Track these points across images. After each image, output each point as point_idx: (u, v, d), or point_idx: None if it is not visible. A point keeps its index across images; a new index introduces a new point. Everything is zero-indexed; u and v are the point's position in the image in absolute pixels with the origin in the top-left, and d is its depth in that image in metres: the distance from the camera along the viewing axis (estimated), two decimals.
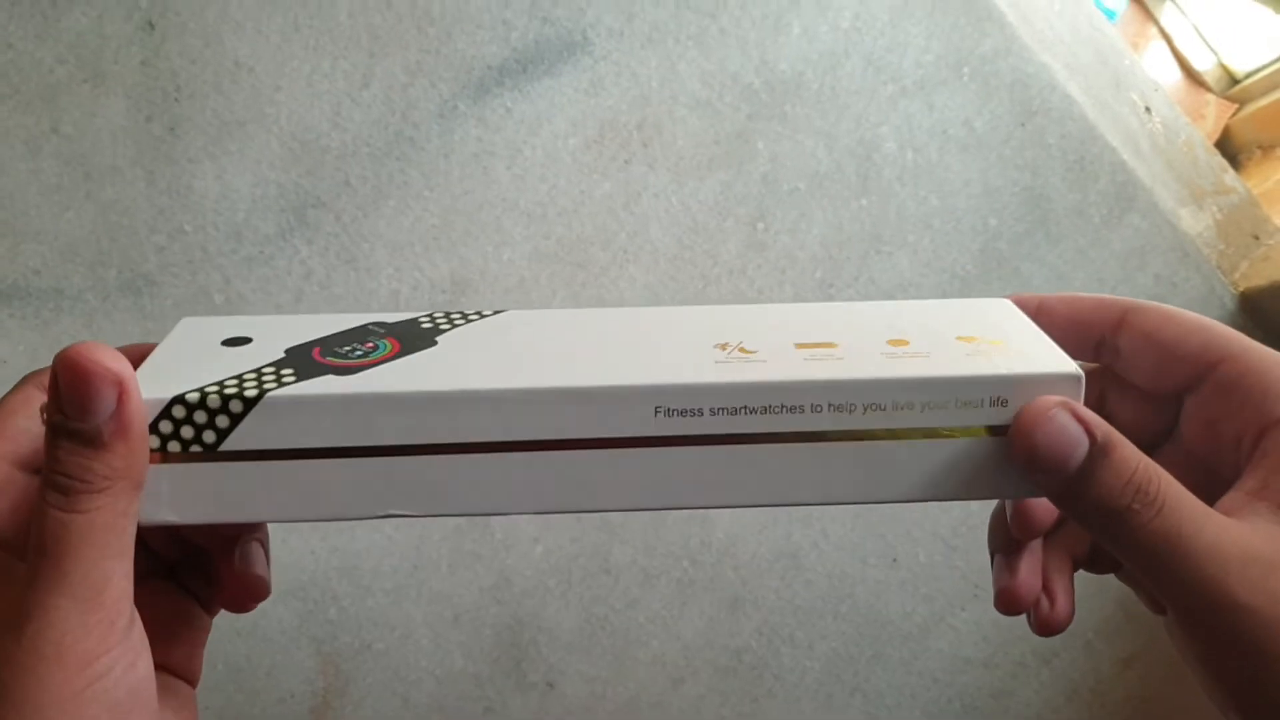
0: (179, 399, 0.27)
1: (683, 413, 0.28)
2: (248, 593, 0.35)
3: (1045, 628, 0.34)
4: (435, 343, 0.30)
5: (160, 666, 0.30)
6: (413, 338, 0.30)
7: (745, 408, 0.28)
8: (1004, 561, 0.34)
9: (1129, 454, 0.27)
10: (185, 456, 0.28)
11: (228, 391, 0.28)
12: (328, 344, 0.30)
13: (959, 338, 0.30)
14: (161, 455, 0.28)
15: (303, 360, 0.29)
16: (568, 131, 0.66)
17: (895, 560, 0.73)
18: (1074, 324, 0.33)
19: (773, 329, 0.31)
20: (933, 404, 0.29)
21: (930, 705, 0.73)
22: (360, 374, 0.28)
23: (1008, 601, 0.34)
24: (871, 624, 0.73)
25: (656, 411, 0.28)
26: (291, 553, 0.68)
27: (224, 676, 0.68)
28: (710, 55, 0.67)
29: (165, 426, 0.27)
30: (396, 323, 0.32)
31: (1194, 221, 0.75)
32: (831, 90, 0.68)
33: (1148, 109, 0.81)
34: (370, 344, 0.30)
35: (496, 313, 0.32)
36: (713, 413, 0.28)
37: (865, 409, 0.28)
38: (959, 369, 0.29)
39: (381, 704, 0.69)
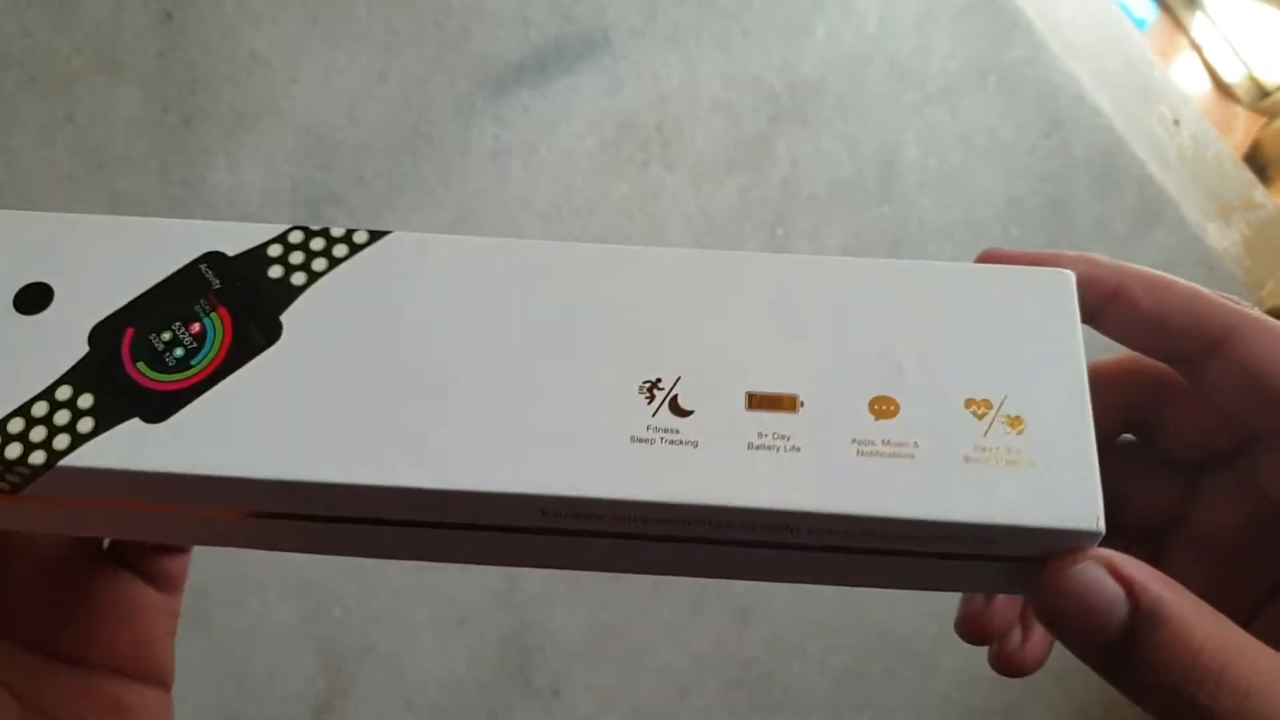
0: None
1: (578, 517, 0.22)
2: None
3: (1008, 666, 0.28)
4: (279, 330, 0.22)
5: (112, 669, 0.26)
6: (250, 316, 0.23)
7: (660, 522, 0.22)
8: None
9: (1190, 624, 0.21)
10: None
11: (9, 456, 0.21)
12: (143, 328, 0.23)
13: (969, 403, 0.22)
14: None
15: (108, 371, 0.22)
16: (586, 131, 0.66)
17: None
18: (1156, 328, 0.25)
19: (722, 358, 0.23)
20: (917, 540, 0.22)
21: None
22: (174, 419, 0.22)
23: (971, 628, 0.28)
24: (882, 640, 0.72)
25: (544, 514, 0.22)
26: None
27: (225, 675, 0.67)
28: (732, 57, 0.66)
29: None
30: (236, 263, 0.23)
31: (1221, 237, 0.73)
32: (854, 95, 0.67)
33: (1176, 121, 0.80)
34: (196, 325, 0.22)
35: (374, 238, 0.23)
36: (619, 520, 0.22)
37: (829, 534, 0.22)
38: (946, 507, 0.21)
39: (384, 707, 0.68)
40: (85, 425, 0.22)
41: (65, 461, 0.21)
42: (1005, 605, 0.28)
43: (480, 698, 0.68)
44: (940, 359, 0.22)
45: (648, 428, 0.22)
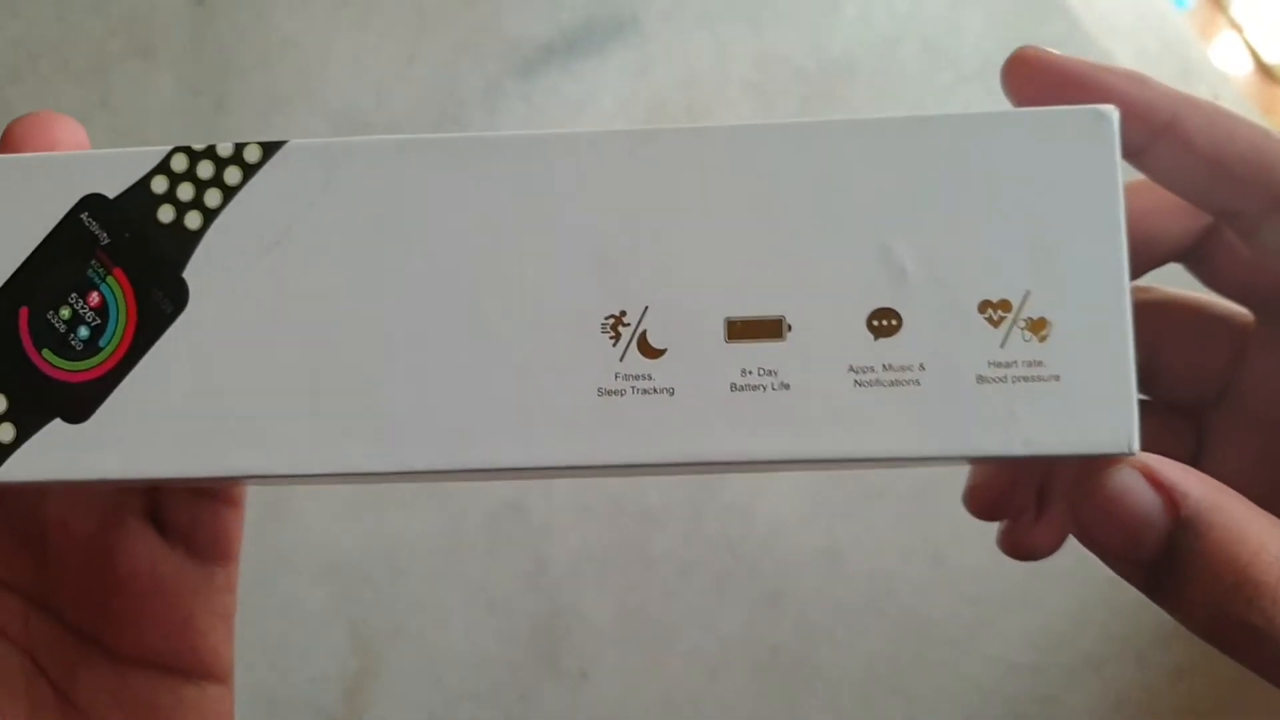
0: None
1: (553, 471, 0.20)
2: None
3: (1018, 548, 0.25)
4: (185, 292, 0.19)
5: (148, 663, 0.23)
6: (150, 277, 0.19)
7: (642, 467, 0.20)
8: None
9: (1240, 533, 0.18)
10: None
11: None
12: (38, 305, 0.19)
13: (983, 305, 0.19)
14: None
15: (14, 364, 0.19)
16: (615, 112, 0.65)
17: (940, 560, 0.71)
18: (1212, 174, 0.20)
19: (692, 274, 0.19)
20: (924, 463, 0.20)
21: (973, 710, 0.72)
22: (97, 416, 0.19)
23: (979, 502, 0.25)
24: (914, 625, 0.71)
25: (516, 473, 0.20)
26: (327, 532, 0.68)
27: (256, 655, 0.67)
28: (762, 37, 0.66)
29: None
30: (120, 206, 0.20)
31: None
32: (886, 75, 0.67)
33: (1216, 100, 0.78)
34: (94, 295, 0.19)
35: (269, 153, 0.20)
36: (599, 469, 0.20)
37: (828, 463, 0.20)
38: (955, 443, 0.19)
39: (414, 687, 0.69)
40: (6, 434, 0.19)
41: None
42: (1019, 479, 0.25)
43: (509, 679, 0.68)
44: (948, 249, 0.19)
45: (616, 375, 0.19)
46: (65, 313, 0.19)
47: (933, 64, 0.66)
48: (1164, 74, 0.72)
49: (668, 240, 0.19)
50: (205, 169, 0.20)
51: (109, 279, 0.19)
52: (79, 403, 0.19)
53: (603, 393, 0.19)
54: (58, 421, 0.19)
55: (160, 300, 0.19)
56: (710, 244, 0.19)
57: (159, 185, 0.20)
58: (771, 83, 0.66)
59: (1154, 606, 0.24)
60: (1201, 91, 0.76)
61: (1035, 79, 0.20)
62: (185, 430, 0.19)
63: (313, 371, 0.19)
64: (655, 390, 0.19)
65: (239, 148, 0.20)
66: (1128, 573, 0.19)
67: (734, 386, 0.19)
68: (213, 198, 0.20)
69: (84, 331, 0.19)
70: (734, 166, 0.19)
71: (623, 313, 0.19)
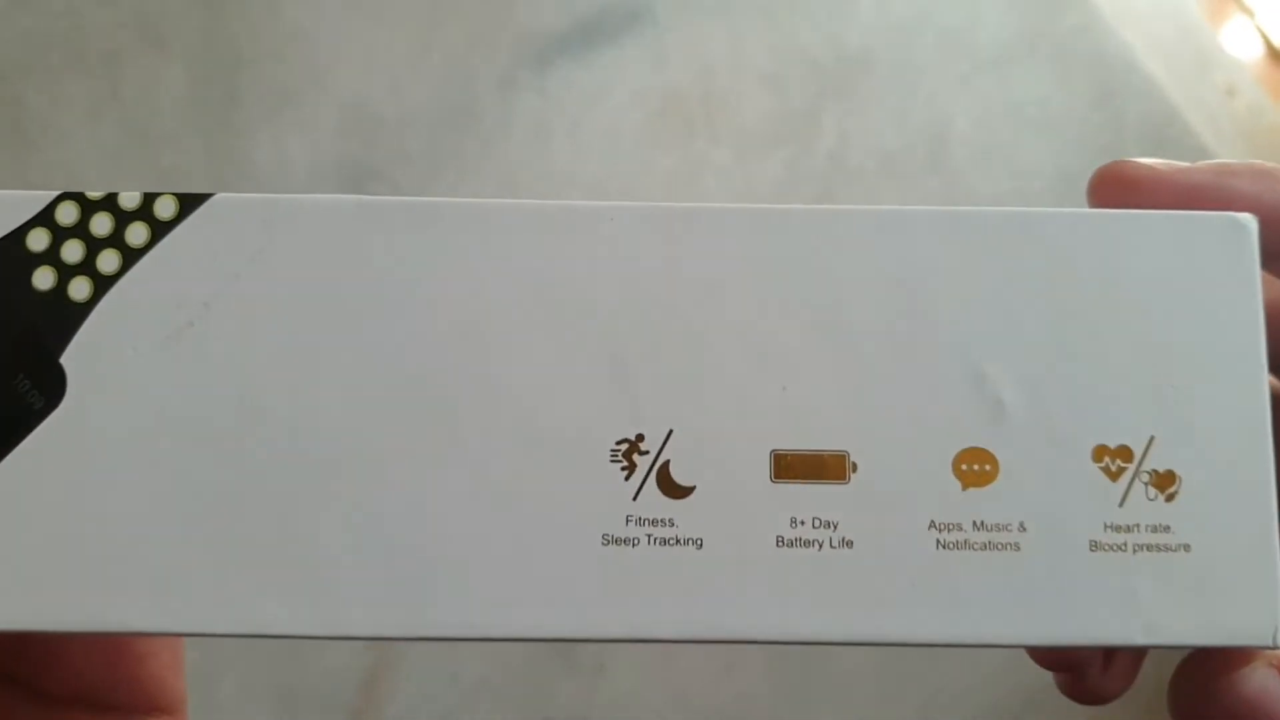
0: None
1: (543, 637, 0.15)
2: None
3: (1087, 696, 0.22)
4: (62, 381, 0.15)
5: (88, 702, 0.20)
6: (16, 360, 0.15)
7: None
8: None
9: None
10: None
11: None
12: None
13: (1099, 452, 0.15)
14: None
15: None
16: (630, 104, 0.65)
17: None
18: None
19: (730, 394, 0.15)
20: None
21: (989, 700, 0.72)
22: None
23: (1047, 657, 0.22)
24: None
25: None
26: None
27: (273, 648, 0.68)
28: (778, 28, 0.65)
29: None
30: None
31: None
32: (902, 66, 0.66)
33: (1231, 90, 0.78)
34: None
35: (186, 210, 0.15)
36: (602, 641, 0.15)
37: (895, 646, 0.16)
38: (1062, 628, 0.15)
39: (430, 681, 0.69)
40: None
41: None
42: None
43: (526, 673, 0.69)
44: (1057, 380, 0.15)
45: (628, 519, 0.15)
46: None
47: (949, 55, 0.66)
48: (1179, 62, 0.72)
49: (703, 346, 0.15)
50: (102, 224, 0.15)
51: None
52: None
53: (609, 541, 0.15)
54: None
55: (27, 391, 0.15)
56: (757, 354, 0.15)
57: (37, 241, 0.15)
58: (788, 74, 0.66)
59: None
60: (1216, 79, 0.76)
61: (1132, 202, 0.16)
62: (49, 569, 0.15)
63: (225, 499, 0.15)
64: (678, 541, 0.15)
65: (149, 199, 0.15)
66: None
67: (781, 541, 0.15)
68: (109, 262, 0.15)
69: None
70: (793, 258, 0.15)
71: (640, 437, 0.15)
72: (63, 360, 0.15)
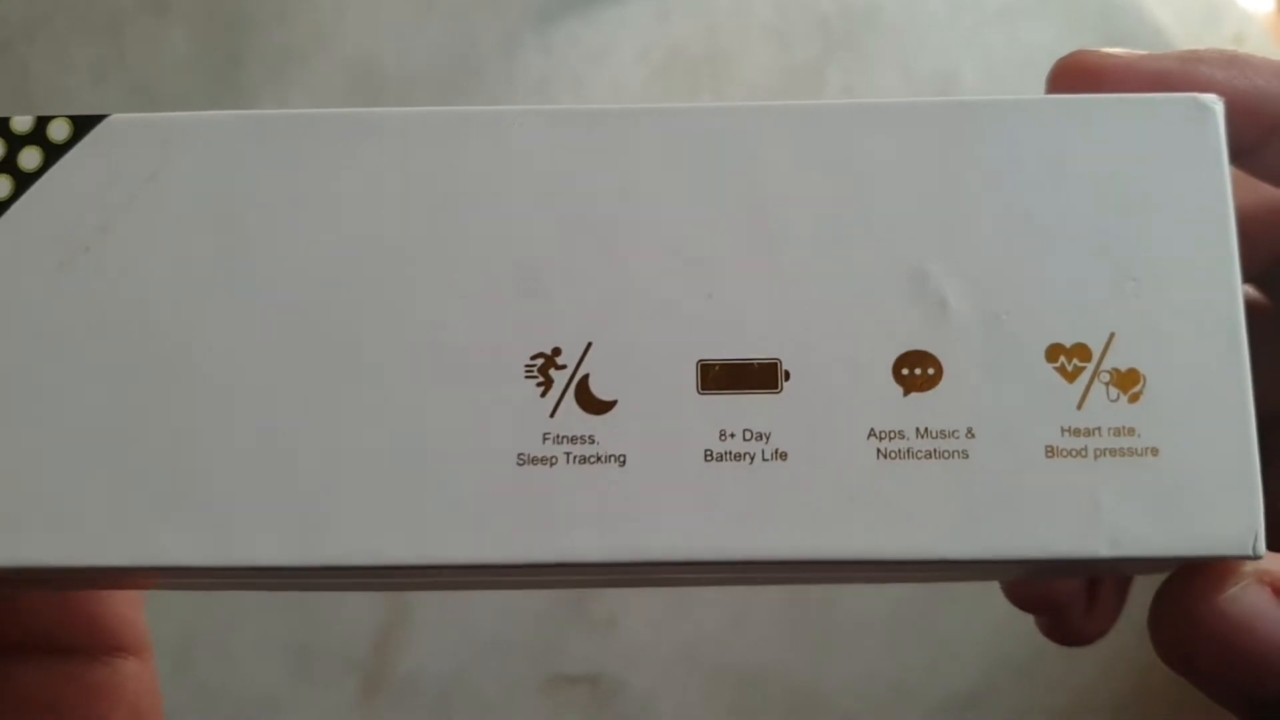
0: None
1: (459, 570, 0.15)
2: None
3: (1065, 637, 0.22)
4: None
5: (43, 648, 0.18)
6: None
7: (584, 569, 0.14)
8: None
9: None
10: None
11: None
12: None
13: (1053, 351, 0.14)
14: None
15: None
16: (634, 61, 0.65)
17: None
18: None
19: (654, 299, 0.14)
20: (971, 571, 0.16)
21: (998, 652, 0.72)
22: None
23: (1020, 595, 0.22)
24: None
25: (395, 574, 0.14)
26: None
27: (287, 606, 0.68)
28: None
29: None
30: None
31: None
32: (908, 19, 0.66)
33: (1238, 41, 0.77)
34: None
35: (80, 131, 0.15)
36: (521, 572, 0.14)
37: (839, 571, 0.15)
38: (1016, 540, 0.14)
39: (443, 637, 0.69)
40: None
41: None
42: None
43: (537, 628, 0.69)
44: (1004, 275, 0.14)
45: (544, 437, 0.14)
46: None
47: (956, 7, 0.66)
48: (1188, 13, 0.71)
49: (621, 250, 0.14)
50: None
51: None
52: None
53: (525, 460, 0.14)
54: None
55: None
56: (680, 258, 0.14)
57: None
58: (793, 29, 0.65)
59: None
60: (1225, 31, 0.75)
61: (1095, 92, 0.15)
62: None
63: (119, 428, 0.14)
64: (599, 459, 0.14)
65: (41, 122, 0.15)
66: (1232, 704, 0.15)
67: (709, 455, 0.14)
68: (0, 187, 0.15)
69: None
70: (718, 159, 0.14)
71: (556, 350, 0.14)
72: None
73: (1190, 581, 0.14)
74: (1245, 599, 0.14)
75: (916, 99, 0.15)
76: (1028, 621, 0.74)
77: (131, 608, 0.19)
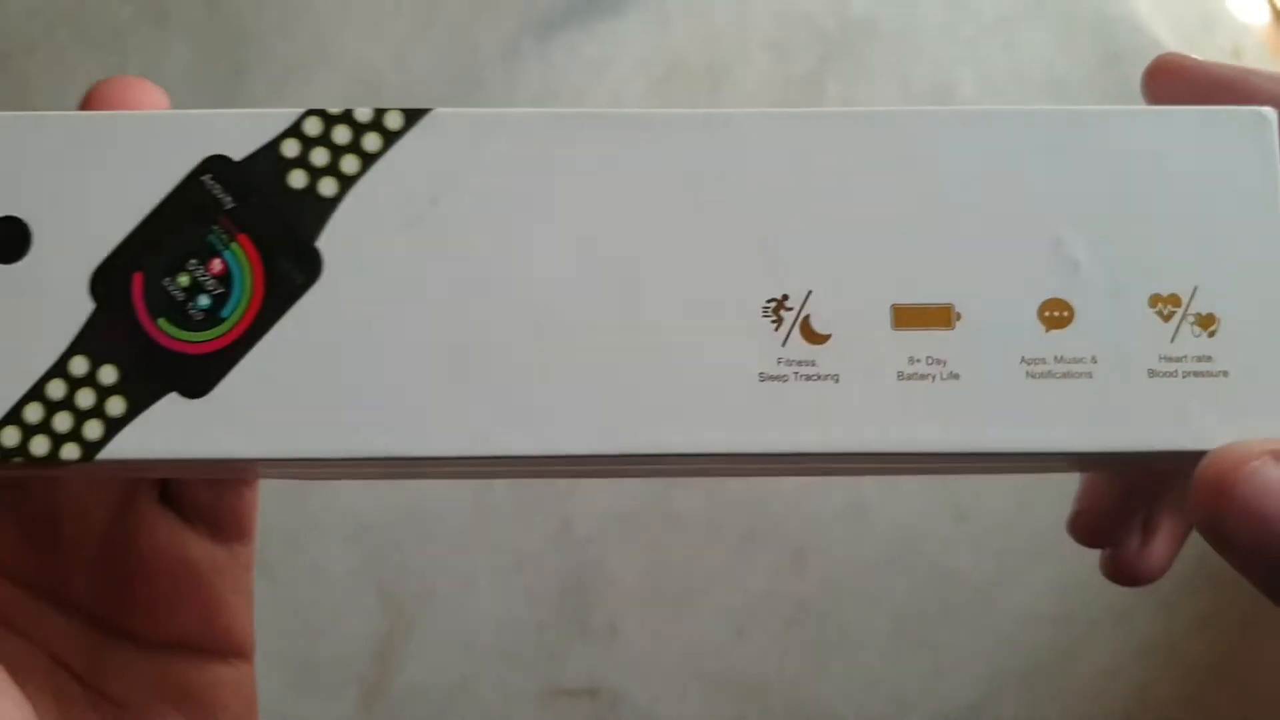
0: None
1: (699, 459, 0.19)
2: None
3: (1123, 573, 0.25)
4: (318, 261, 0.18)
5: (178, 645, 0.23)
6: (279, 245, 0.18)
7: (792, 460, 0.19)
8: (1095, 476, 0.25)
9: None
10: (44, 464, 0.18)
11: (35, 452, 0.18)
12: (153, 270, 0.18)
13: (1154, 299, 0.18)
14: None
15: (126, 333, 0.18)
16: (634, 72, 0.65)
17: (964, 514, 0.71)
18: None
19: (856, 260, 0.19)
20: (1084, 462, 0.21)
21: (999, 662, 0.72)
22: (218, 390, 0.18)
23: (1085, 528, 0.25)
24: (939, 578, 0.72)
25: (659, 461, 0.19)
26: (356, 498, 0.68)
27: (289, 617, 0.68)
28: None
29: None
30: (246, 170, 0.18)
31: None
32: (906, 30, 0.66)
33: (1236, 52, 0.78)
34: (216, 262, 0.18)
35: (411, 121, 0.18)
36: (747, 461, 0.19)
37: (985, 461, 0.20)
38: (1129, 436, 0.18)
39: (444, 648, 0.69)
40: (116, 407, 0.18)
41: (104, 455, 0.18)
42: (1126, 503, 0.24)
43: (539, 638, 0.69)
44: (1118, 243, 0.19)
45: (779, 360, 0.18)
46: (183, 280, 0.18)
47: (953, 18, 0.66)
48: (1185, 23, 0.71)
49: (832, 224, 0.19)
50: (341, 134, 0.18)
51: (233, 246, 0.18)
52: (198, 376, 0.18)
53: (765, 378, 0.18)
54: (174, 395, 0.18)
55: (290, 270, 0.18)
56: (876, 229, 0.19)
57: (290, 149, 0.18)
58: (791, 41, 0.66)
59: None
60: (1221, 43, 0.76)
61: (1179, 86, 0.20)
62: (317, 408, 0.18)
63: (455, 350, 0.18)
64: (819, 377, 0.18)
65: (379, 113, 0.19)
66: (1260, 576, 0.18)
67: (901, 375, 0.18)
68: (349, 164, 0.18)
69: (204, 300, 0.18)
70: (902, 152, 0.19)
71: (785, 296, 0.18)
72: (318, 244, 0.18)
73: (1222, 461, 0.17)
74: (1263, 471, 0.17)
75: (1046, 108, 0.19)
76: (1028, 633, 0.74)
77: (250, 620, 0.24)
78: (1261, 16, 0.93)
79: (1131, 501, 0.25)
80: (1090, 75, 0.68)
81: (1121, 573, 0.25)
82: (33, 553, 0.22)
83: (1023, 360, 0.18)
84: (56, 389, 0.18)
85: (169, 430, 0.18)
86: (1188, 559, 0.25)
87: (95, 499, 0.22)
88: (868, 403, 0.18)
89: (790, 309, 0.18)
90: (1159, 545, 0.25)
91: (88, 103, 0.19)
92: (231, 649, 0.23)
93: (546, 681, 0.70)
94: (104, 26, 0.64)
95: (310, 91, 0.64)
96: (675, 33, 0.65)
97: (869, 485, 0.71)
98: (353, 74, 0.64)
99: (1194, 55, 0.20)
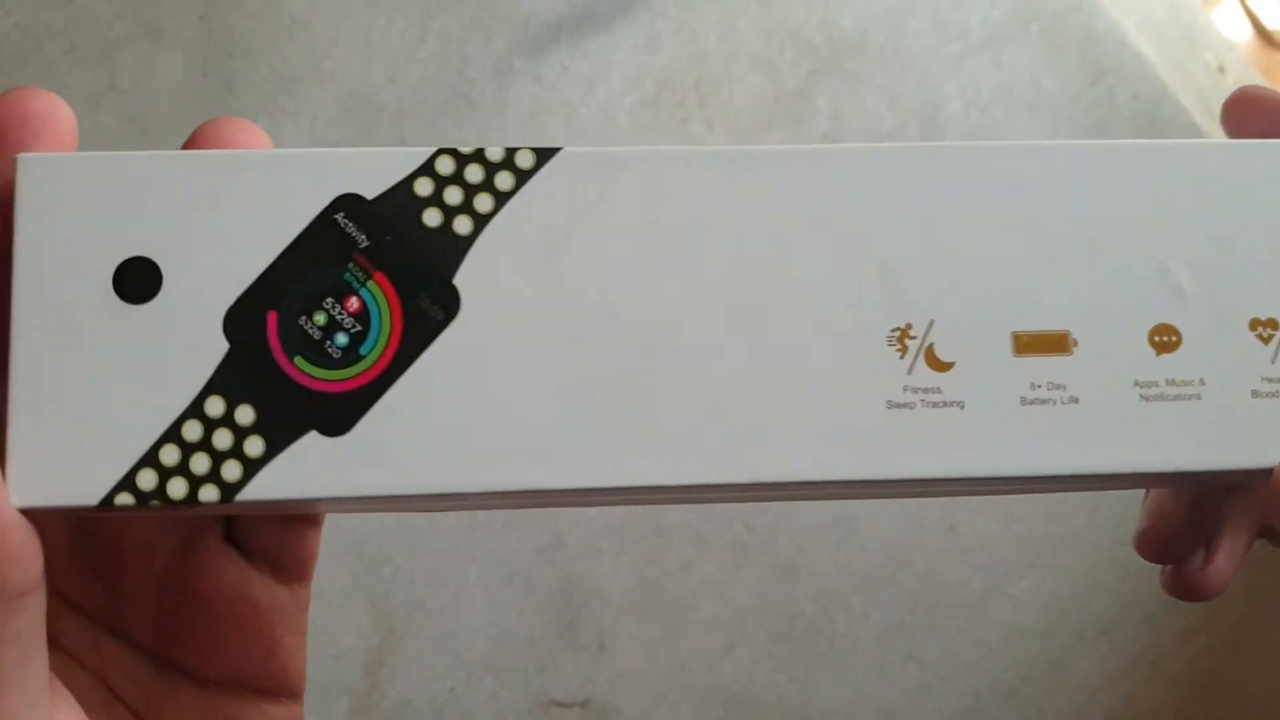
0: (106, 499, 0.17)
1: (819, 486, 0.19)
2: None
3: (1188, 589, 0.25)
4: (456, 299, 0.18)
5: (234, 684, 0.23)
6: (417, 282, 0.18)
7: (912, 486, 0.19)
8: (1161, 494, 0.26)
9: None
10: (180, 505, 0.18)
11: (174, 495, 0.17)
12: (288, 309, 0.18)
13: (1253, 324, 0.19)
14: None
15: (262, 372, 0.18)
16: (624, 89, 0.65)
17: (952, 528, 0.72)
18: None
19: (974, 288, 0.19)
20: (1188, 481, 0.22)
21: (986, 675, 0.73)
22: (359, 428, 0.18)
23: (1151, 546, 0.26)
24: (927, 592, 0.72)
25: (783, 489, 0.19)
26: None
27: None
28: (771, 11, 0.66)
29: (123, 499, 0.18)
30: (379, 209, 0.18)
31: None
32: (895, 47, 0.67)
33: (1221, 68, 0.79)
34: (353, 300, 0.18)
35: (542, 159, 0.19)
36: (867, 487, 0.19)
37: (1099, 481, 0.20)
38: (1235, 454, 0.19)
39: (434, 662, 0.69)
40: (255, 447, 0.18)
41: (243, 496, 0.18)
42: (1191, 521, 0.25)
43: (528, 652, 0.69)
44: (1219, 269, 0.19)
45: (905, 388, 0.19)
46: (320, 318, 0.18)
47: (942, 35, 0.66)
48: (1170, 40, 0.72)
49: (951, 254, 0.19)
50: (474, 173, 0.19)
51: (369, 284, 0.18)
52: (339, 413, 0.18)
53: (892, 405, 0.19)
54: (314, 434, 0.18)
55: (428, 307, 0.18)
56: (993, 258, 0.19)
57: (423, 187, 0.19)
58: (780, 56, 0.66)
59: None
60: (1206, 59, 0.77)
61: (1258, 117, 0.21)
62: (459, 443, 0.18)
63: (593, 382, 0.18)
64: (945, 404, 0.19)
65: (510, 152, 0.19)
66: None
67: (1024, 400, 0.19)
68: (483, 203, 0.19)
69: (342, 338, 0.18)
70: (1015, 185, 0.19)
71: (909, 325, 0.19)
72: (455, 281, 0.18)
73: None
74: None
75: (1156, 142, 0.20)
76: (1017, 645, 0.74)
77: (305, 661, 0.24)
78: (1245, 33, 0.94)
79: (1198, 517, 0.25)
80: (1078, 92, 0.68)
81: (1187, 588, 0.25)
82: (99, 585, 0.22)
83: (1136, 384, 0.19)
84: (193, 430, 0.18)
85: (310, 469, 0.18)
86: None
87: (162, 535, 0.22)
88: (994, 428, 0.19)
89: (914, 337, 0.19)
90: (1223, 560, 0.25)
91: (193, 142, 0.19)
92: (285, 689, 0.24)
93: (537, 694, 0.70)
94: (96, 41, 0.64)
95: (302, 107, 0.64)
96: (665, 49, 0.66)
97: (857, 501, 0.71)
98: (346, 89, 0.64)
99: (1266, 89, 0.22)
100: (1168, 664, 0.73)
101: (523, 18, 0.65)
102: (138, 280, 0.18)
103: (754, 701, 0.72)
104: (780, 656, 0.71)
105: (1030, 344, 0.19)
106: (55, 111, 0.19)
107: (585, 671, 0.70)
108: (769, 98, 0.66)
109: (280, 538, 0.23)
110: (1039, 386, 0.19)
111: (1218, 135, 0.71)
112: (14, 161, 0.18)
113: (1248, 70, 0.77)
